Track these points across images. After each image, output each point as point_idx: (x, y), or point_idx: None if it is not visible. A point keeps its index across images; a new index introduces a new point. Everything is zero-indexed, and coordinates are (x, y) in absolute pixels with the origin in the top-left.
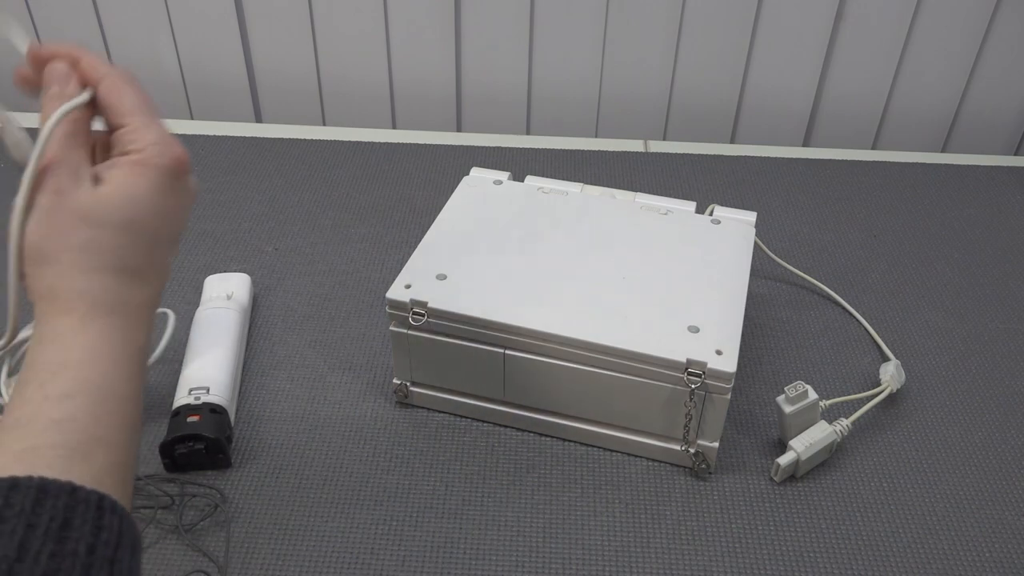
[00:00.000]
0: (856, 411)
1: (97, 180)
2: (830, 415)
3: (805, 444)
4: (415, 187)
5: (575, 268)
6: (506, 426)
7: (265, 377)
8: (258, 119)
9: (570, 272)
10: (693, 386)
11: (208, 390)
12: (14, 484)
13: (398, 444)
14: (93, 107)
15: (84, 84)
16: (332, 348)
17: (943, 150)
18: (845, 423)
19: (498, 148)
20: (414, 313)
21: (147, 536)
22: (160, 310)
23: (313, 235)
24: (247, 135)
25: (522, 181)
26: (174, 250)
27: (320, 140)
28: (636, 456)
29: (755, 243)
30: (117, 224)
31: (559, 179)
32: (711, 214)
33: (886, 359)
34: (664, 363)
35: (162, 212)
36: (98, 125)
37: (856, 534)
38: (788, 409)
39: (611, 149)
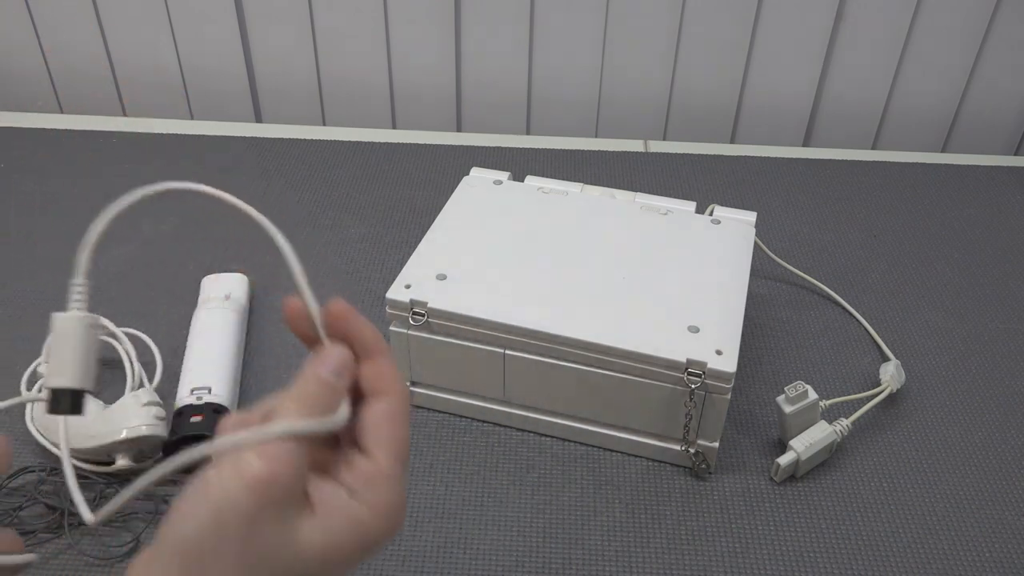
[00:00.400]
0: (856, 411)
1: (303, 504)
2: (830, 415)
3: (805, 444)
4: (415, 187)
5: (575, 268)
6: (506, 426)
7: (265, 377)
8: (258, 119)
9: (570, 272)
10: (693, 386)
11: (210, 390)
12: None
13: None
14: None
15: (356, 391)
16: None
17: (943, 150)
18: (845, 423)
19: (498, 148)
20: (414, 313)
21: (148, 536)
22: (138, 334)
23: (313, 235)
24: (247, 135)
25: (522, 181)
26: None
27: (320, 140)
28: (636, 456)
29: (755, 243)
30: None
31: (559, 179)
32: (711, 214)
33: (886, 359)
34: (664, 363)
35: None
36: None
37: (856, 534)
38: (788, 409)
39: (611, 149)
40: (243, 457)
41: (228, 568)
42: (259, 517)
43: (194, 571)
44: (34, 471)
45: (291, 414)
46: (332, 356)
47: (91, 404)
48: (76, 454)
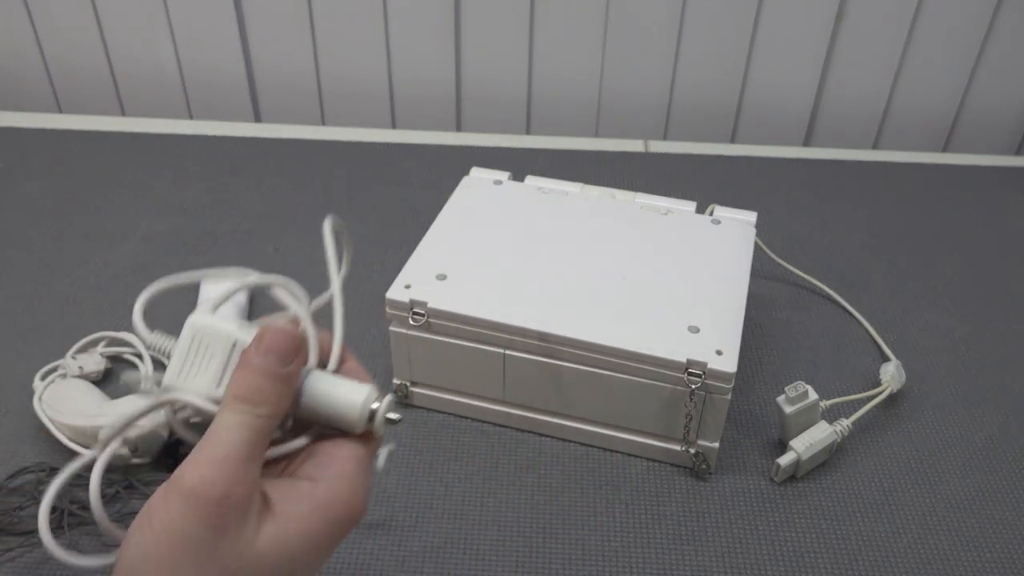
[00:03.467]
0: (856, 411)
1: (262, 509)
2: (830, 415)
3: (805, 444)
4: (415, 187)
5: (575, 268)
6: (506, 426)
7: None
8: (258, 119)
9: (570, 272)
10: (693, 386)
11: None
12: None
13: (398, 444)
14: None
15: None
16: None
17: (944, 150)
18: (845, 423)
19: (498, 148)
20: (414, 313)
21: None
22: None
23: (313, 235)
24: (247, 135)
25: (522, 181)
26: None
27: (320, 140)
28: (636, 456)
29: (755, 243)
30: None
31: (559, 179)
32: (711, 214)
33: (886, 359)
34: (664, 363)
35: (312, 567)
36: None
37: (856, 534)
38: (788, 409)
39: (611, 149)
40: (185, 477)
41: None
42: (213, 539)
43: None
44: (34, 471)
45: (236, 413)
46: (274, 340)
47: (95, 396)
48: (71, 434)
